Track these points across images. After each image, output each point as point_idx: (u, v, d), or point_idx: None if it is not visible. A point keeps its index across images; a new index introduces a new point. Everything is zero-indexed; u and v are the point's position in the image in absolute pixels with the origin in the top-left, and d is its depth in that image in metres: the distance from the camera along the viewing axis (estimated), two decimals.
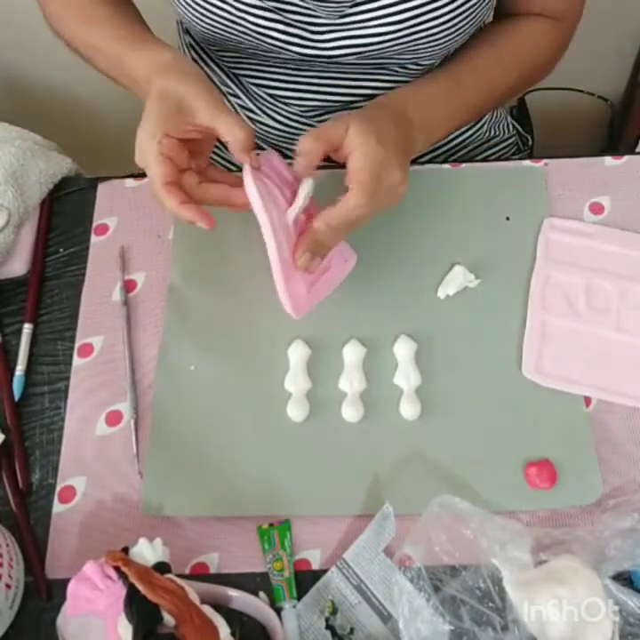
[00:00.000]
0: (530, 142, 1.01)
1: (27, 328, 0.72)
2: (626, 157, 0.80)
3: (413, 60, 0.76)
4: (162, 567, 0.55)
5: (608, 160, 0.80)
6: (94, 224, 0.78)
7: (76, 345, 0.71)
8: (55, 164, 0.80)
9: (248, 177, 0.61)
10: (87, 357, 0.71)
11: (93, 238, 0.77)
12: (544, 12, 0.78)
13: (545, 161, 0.80)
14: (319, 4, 0.69)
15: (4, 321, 0.74)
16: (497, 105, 0.79)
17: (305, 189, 0.64)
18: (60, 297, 0.75)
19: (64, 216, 0.80)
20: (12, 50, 1.28)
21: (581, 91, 1.42)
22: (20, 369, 0.70)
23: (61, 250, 0.78)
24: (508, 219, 0.76)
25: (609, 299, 0.71)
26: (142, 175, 0.80)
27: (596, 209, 0.77)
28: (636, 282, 0.72)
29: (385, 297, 0.72)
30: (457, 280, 0.72)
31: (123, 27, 0.72)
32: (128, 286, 0.74)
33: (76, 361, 0.70)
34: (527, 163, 0.80)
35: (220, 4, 0.70)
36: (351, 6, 0.69)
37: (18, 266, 0.76)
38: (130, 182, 0.80)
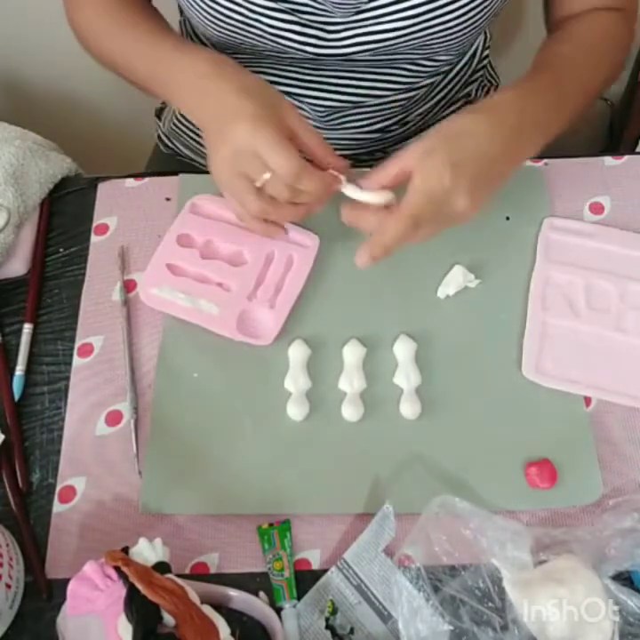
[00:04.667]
0: None
1: (27, 328, 0.72)
2: (626, 157, 0.80)
3: (428, 56, 0.76)
4: (162, 567, 0.55)
5: (608, 160, 0.80)
6: (94, 224, 0.78)
7: (76, 345, 0.71)
8: (55, 164, 0.80)
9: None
10: (87, 357, 0.71)
11: (93, 238, 0.77)
12: (607, 4, 0.76)
13: (545, 161, 0.80)
14: (335, 2, 0.69)
15: (4, 321, 0.74)
16: (591, 102, 0.75)
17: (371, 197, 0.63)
18: (59, 297, 0.75)
19: (64, 216, 0.80)
20: (12, 50, 1.28)
21: None
22: (19, 369, 0.70)
23: (61, 250, 0.78)
24: (508, 219, 0.76)
25: (609, 299, 0.71)
26: (142, 175, 0.81)
27: (596, 209, 0.77)
28: (636, 282, 0.72)
29: (385, 297, 0.72)
30: (457, 280, 0.72)
31: (157, 27, 0.72)
32: (128, 286, 0.74)
33: (76, 361, 0.70)
34: (527, 163, 0.80)
35: (234, 7, 0.70)
36: (368, 2, 0.69)
37: (18, 266, 0.75)
38: (130, 182, 0.80)
